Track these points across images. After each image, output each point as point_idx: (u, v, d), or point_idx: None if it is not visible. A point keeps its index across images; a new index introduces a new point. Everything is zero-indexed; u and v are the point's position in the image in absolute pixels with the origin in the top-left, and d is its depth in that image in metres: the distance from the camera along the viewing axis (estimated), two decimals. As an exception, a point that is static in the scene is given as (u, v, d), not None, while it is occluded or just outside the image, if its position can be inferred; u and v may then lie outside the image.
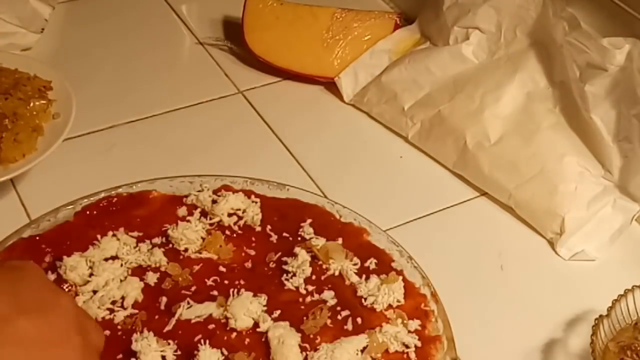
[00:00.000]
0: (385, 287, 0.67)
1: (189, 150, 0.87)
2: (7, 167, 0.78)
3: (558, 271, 0.78)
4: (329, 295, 0.67)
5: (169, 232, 0.70)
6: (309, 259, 0.69)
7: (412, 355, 0.63)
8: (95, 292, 0.65)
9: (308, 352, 0.62)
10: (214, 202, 0.74)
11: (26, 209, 0.79)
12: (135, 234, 0.71)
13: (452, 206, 0.84)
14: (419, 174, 0.88)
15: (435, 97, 0.90)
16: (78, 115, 0.84)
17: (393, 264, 0.71)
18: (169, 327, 0.64)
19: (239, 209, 0.74)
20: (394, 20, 1.00)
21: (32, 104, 0.84)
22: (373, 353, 0.63)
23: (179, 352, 0.62)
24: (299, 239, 0.72)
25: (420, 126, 0.89)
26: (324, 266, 0.70)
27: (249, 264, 0.70)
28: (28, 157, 0.79)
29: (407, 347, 0.64)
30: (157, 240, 0.71)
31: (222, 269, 0.69)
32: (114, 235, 0.70)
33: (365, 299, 0.67)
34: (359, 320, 0.65)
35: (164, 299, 0.66)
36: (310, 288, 0.68)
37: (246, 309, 0.64)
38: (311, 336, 0.64)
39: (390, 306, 0.67)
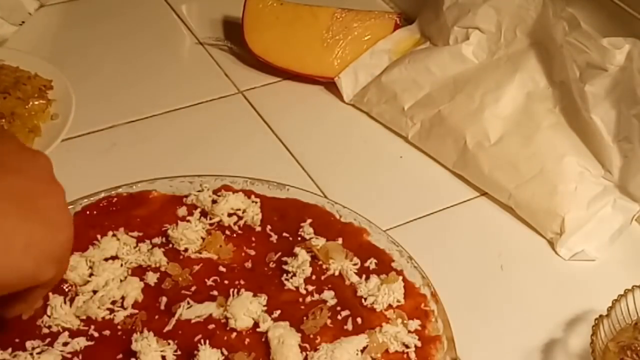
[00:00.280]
0: (385, 287, 0.67)
1: (189, 150, 0.87)
2: None
3: (558, 271, 0.78)
4: (329, 295, 0.67)
5: (169, 232, 0.70)
6: (309, 259, 0.69)
7: (412, 355, 0.63)
8: (95, 292, 0.66)
9: (308, 352, 0.62)
10: (214, 202, 0.74)
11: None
12: (135, 234, 0.71)
13: (452, 206, 0.84)
14: (419, 174, 0.88)
15: (435, 97, 0.90)
16: (78, 114, 0.84)
17: (393, 264, 0.71)
18: (169, 327, 0.64)
19: (239, 209, 0.74)
20: (394, 20, 1.00)
21: (30, 104, 0.84)
22: (373, 353, 0.63)
23: (179, 352, 0.62)
24: (299, 239, 0.72)
25: (420, 126, 0.89)
26: (324, 266, 0.70)
27: (249, 264, 0.70)
28: None
29: (407, 347, 0.64)
30: (157, 240, 0.71)
31: (222, 269, 0.69)
32: (114, 235, 0.70)
33: (365, 299, 0.67)
34: (359, 320, 0.65)
35: (164, 299, 0.66)
36: (310, 288, 0.68)
37: (246, 309, 0.64)
38: (311, 336, 0.64)
39: (390, 306, 0.67)
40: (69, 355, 0.61)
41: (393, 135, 0.92)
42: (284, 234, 0.73)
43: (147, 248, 0.70)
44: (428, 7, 0.99)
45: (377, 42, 0.98)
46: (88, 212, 0.72)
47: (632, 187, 0.81)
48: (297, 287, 0.68)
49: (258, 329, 0.64)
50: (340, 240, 0.72)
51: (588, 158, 0.83)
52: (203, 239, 0.71)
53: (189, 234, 0.70)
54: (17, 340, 0.61)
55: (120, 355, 0.61)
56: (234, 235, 0.72)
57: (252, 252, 0.71)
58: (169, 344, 0.62)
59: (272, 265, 0.70)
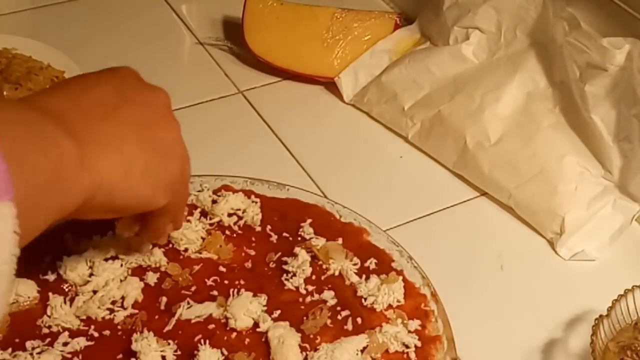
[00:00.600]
0: (385, 287, 0.67)
1: (189, 150, 0.87)
2: None
3: (558, 271, 0.78)
4: (329, 295, 0.67)
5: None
6: (309, 259, 0.69)
7: (412, 355, 0.63)
8: (95, 292, 0.65)
9: (308, 352, 0.62)
10: (214, 202, 0.74)
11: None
12: (136, 234, 0.71)
13: (452, 206, 0.84)
14: (419, 174, 0.87)
15: (435, 97, 0.90)
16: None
17: (393, 264, 0.71)
18: (169, 327, 0.64)
19: (239, 209, 0.74)
20: (394, 20, 1.00)
21: None
22: (373, 353, 0.63)
23: (179, 352, 0.62)
24: (299, 239, 0.72)
25: (420, 126, 0.89)
26: (324, 266, 0.70)
27: (249, 264, 0.70)
28: None
29: (407, 347, 0.64)
30: (157, 240, 0.71)
31: (222, 269, 0.69)
32: (114, 235, 0.70)
33: (365, 299, 0.67)
34: (359, 320, 0.65)
35: (164, 299, 0.66)
36: (310, 288, 0.68)
37: (246, 309, 0.64)
38: (311, 336, 0.64)
39: (390, 306, 0.67)
40: (69, 355, 0.61)
41: (393, 135, 0.92)
42: (284, 234, 0.73)
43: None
44: (428, 7, 0.99)
45: (377, 42, 0.98)
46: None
47: (632, 187, 0.81)
48: (297, 287, 0.68)
49: (258, 329, 0.64)
50: (340, 240, 0.72)
51: (588, 158, 0.83)
52: (203, 239, 0.71)
53: (189, 234, 0.70)
54: (17, 340, 0.61)
55: (120, 355, 0.61)
56: (234, 235, 0.72)
57: (252, 252, 0.71)
58: (169, 344, 0.62)
59: (272, 265, 0.70)
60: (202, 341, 0.62)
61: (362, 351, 0.63)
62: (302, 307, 0.66)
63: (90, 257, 0.67)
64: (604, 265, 0.78)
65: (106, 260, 0.68)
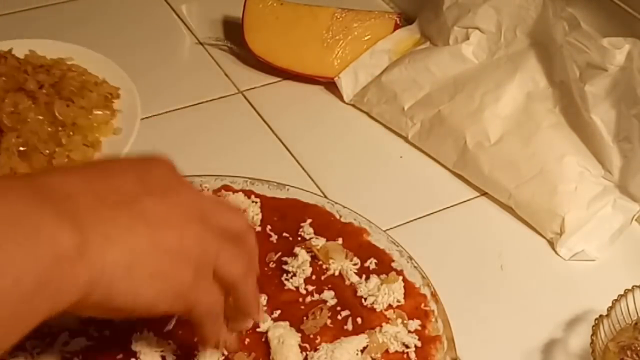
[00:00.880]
0: (385, 287, 0.67)
1: (189, 150, 0.87)
2: None
3: (558, 271, 0.78)
4: (329, 295, 0.67)
5: (169, 232, 0.70)
6: (309, 259, 0.69)
7: (412, 355, 0.63)
8: (95, 292, 0.65)
9: (308, 352, 0.62)
10: (214, 202, 0.74)
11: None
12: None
13: (452, 206, 0.84)
14: (419, 174, 0.88)
15: (435, 97, 0.90)
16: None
17: (393, 264, 0.71)
18: (169, 327, 0.63)
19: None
20: (394, 20, 1.00)
21: (94, 114, 0.76)
22: (373, 353, 0.63)
23: (179, 352, 0.62)
24: (299, 239, 0.72)
25: (420, 126, 0.89)
26: (324, 266, 0.70)
27: (249, 264, 0.70)
28: None
29: (407, 347, 0.64)
30: (157, 240, 0.70)
31: (222, 269, 0.69)
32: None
33: (365, 299, 0.67)
34: (359, 320, 0.65)
35: (164, 299, 0.66)
36: (310, 288, 0.68)
37: (246, 309, 0.64)
38: (311, 336, 0.64)
39: (390, 306, 0.67)
40: (69, 355, 0.61)
41: (393, 135, 0.92)
42: (284, 234, 0.73)
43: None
44: (428, 7, 0.99)
45: (377, 42, 0.98)
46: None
47: (632, 187, 0.81)
48: (297, 287, 0.68)
49: (258, 329, 0.64)
50: (340, 240, 0.72)
51: (588, 158, 0.83)
52: (203, 239, 0.71)
53: (189, 234, 0.70)
54: (17, 340, 0.61)
55: (120, 355, 0.61)
56: (234, 235, 0.72)
57: (252, 252, 0.71)
58: (169, 344, 0.62)
59: (272, 265, 0.70)
60: (202, 341, 0.62)
61: (362, 351, 0.63)
62: (302, 307, 0.66)
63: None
64: (604, 265, 0.78)
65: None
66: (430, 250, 0.75)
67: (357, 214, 0.75)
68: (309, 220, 0.73)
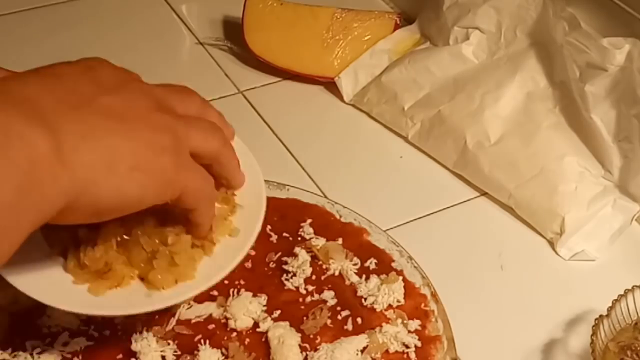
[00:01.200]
0: (385, 287, 0.67)
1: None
2: (149, 293, 0.57)
3: (558, 271, 0.78)
4: (329, 295, 0.67)
5: (169, 232, 0.70)
6: (309, 259, 0.69)
7: (412, 355, 0.63)
8: (95, 292, 0.65)
9: (308, 352, 0.62)
10: (214, 202, 0.74)
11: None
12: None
13: (452, 206, 0.84)
14: (419, 174, 0.87)
15: (435, 97, 0.90)
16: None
17: (393, 264, 0.71)
18: (169, 327, 0.64)
19: (239, 209, 0.74)
20: (394, 20, 1.00)
21: None
22: (373, 353, 0.63)
23: (179, 352, 0.62)
24: (299, 239, 0.72)
25: (420, 126, 0.89)
26: (324, 266, 0.70)
27: (249, 264, 0.70)
28: (180, 285, 0.57)
29: (407, 347, 0.64)
30: (157, 240, 0.70)
31: (222, 269, 0.69)
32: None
33: (365, 299, 0.67)
34: (359, 320, 0.65)
35: (164, 299, 0.66)
36: (310, 288, 0.68)
37: (246, 309, 0.64)
38: (311, 336, 0.64)
39: (390, 306, 0.67)
40: (69, 355, 0.61)
41: (393, 135, 0.92)
42: (284, 234, 0.73)
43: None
44: (428, 7, 0.99)
45: (377, 42, 0.98)
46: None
47: (632, 187, 0.81)
48: (297, 287, 0.68)
49: (258, 329, 0.64)
50: (340, 240, 0.72)
51: (588, 158, 0.83)
52: (203, 239, 0.71)
53: (189, 234, 0.70)
54: (17, 340, 0.61)
55: (120, 355, 0.61)
56: (234, 235, 0.72)
57: (252, 252, 0.71)
58: (169, 344, 0.62)
59: (272, 265, 0.70)
60: (202, 341, 0.62)
61: (362, 351, 0.63)
62: (302, 307, 0.66)
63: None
64: (604, 265, 0.78)
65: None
66: (430, 250, 0.75)
67: (357, 214, 0.75)
68: (309, 220, 0.73)
